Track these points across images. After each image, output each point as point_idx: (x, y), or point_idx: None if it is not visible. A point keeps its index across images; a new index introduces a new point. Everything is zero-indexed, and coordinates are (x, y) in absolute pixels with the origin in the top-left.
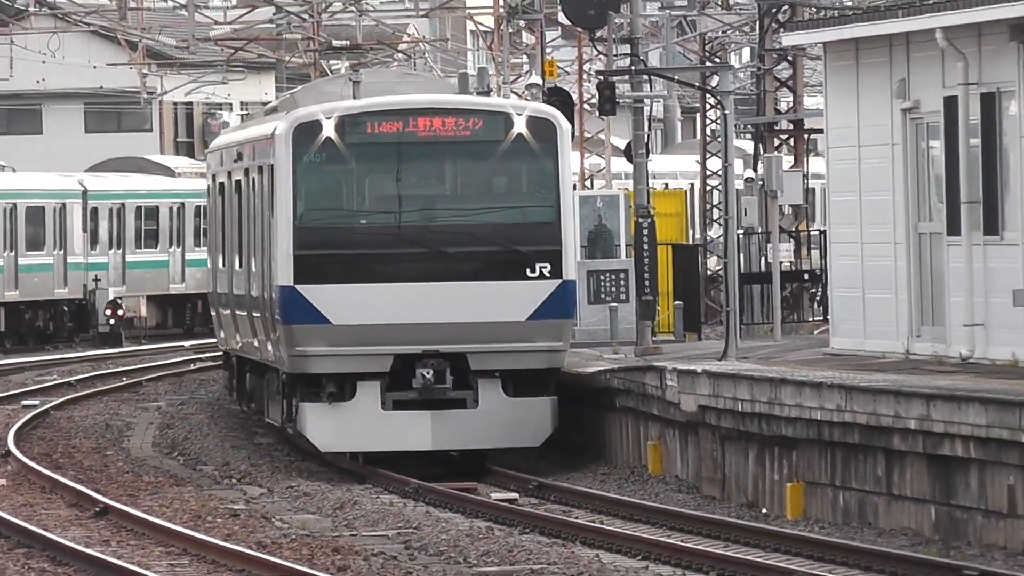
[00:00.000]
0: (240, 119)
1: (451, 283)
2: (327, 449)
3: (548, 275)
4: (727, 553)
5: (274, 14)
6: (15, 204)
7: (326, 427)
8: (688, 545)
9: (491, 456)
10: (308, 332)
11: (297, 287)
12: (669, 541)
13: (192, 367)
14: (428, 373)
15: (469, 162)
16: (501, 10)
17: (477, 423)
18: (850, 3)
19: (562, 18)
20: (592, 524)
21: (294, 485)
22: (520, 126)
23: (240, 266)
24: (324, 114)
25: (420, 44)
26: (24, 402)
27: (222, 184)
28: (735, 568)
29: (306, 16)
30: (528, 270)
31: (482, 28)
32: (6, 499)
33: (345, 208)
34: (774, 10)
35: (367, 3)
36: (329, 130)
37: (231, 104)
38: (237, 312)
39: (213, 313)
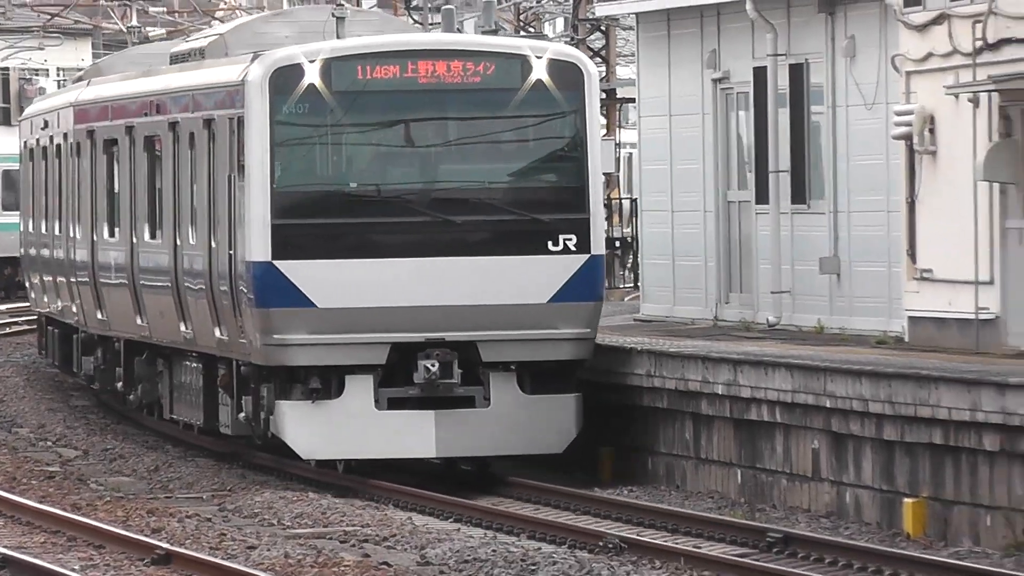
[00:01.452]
0: (57, 85)
1: (459, 259)
2: (310, 456)
3: (574, 249)
4: (537, 516)
5: None
6: None
7: (309, 430)
8: (496, 508)
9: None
10: (287, 317)
11: (275, 263)
12: (480, 504)
13: (7, 331)
14: (432, 366)
15: (480, 114)
16: None
17: (489, 425)
18: None
19: None
20: (405, 488)
21: (110, 448)
22: (540, 71)
23: (137, 236)
24: (307, 56)
25: (236, 12)
26: None
27: (75, 146)
28: (546, 530)
29: None
30: (550, 243)
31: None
32: None
33: (332, 170)
34: None
35: None
36: (313, 75)
37: (47, 70)
38: (105, 283)
39: (35, 279)
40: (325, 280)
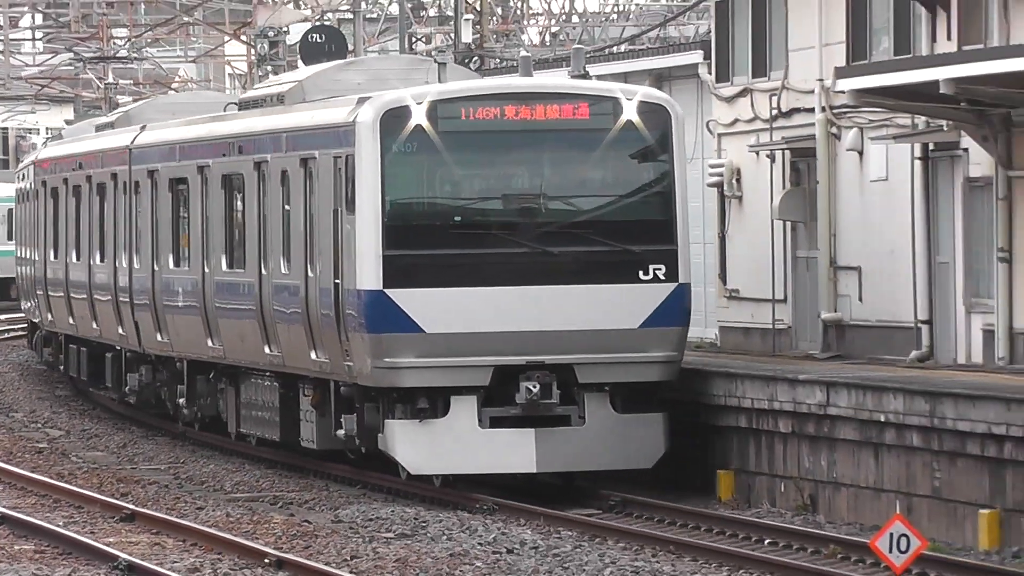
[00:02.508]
0: (44, 143)
1: (557, 287)
2: (417, 471)
3: (663, 278)
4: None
5: (72, 58)
6: None
7: (417, 448)
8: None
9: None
10: (397, 341)
11: (386, 291)
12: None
13: (4, 336)
14: (534, 387)
15: (575, 152)
16: (253, 58)
17: (585, 442)
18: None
19: (300, 64)
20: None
21: (87, 429)
22: (630, 112)
23: (210, 266)
24: (414, 99)
25: (189, 84)
26: None
27: (134, 184)
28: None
29: (97, 60)
30: (641, 272)
31: (238, 72)
32: None
33: (438, 204)
34: None
35: (146, 51)
36: (420, 117)
37: (39, 129)
38: (169, 308)
39: (51, 303)
40: (432, 307)
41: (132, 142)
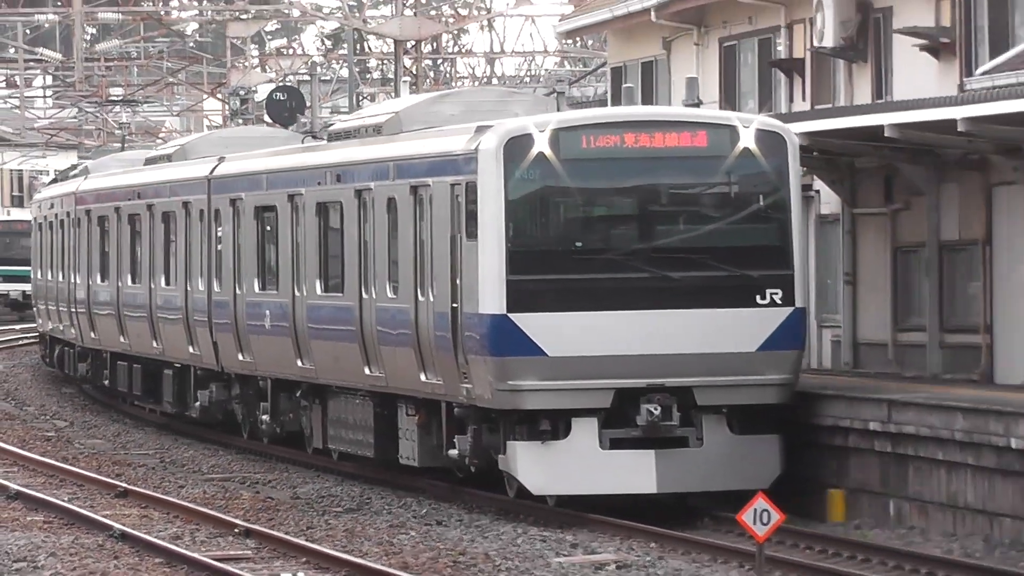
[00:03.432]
0: (58, 179)
1: (676, 311)
2: (539, 492)
3: (780, 302)
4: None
5: (76, 112)
6: None
7: (539, 468)
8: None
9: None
10: (520, 364)
11: (509, 315)
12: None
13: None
14: (656, 409)
15: (693, 179)
16: (227, 112)
17: (703, 463)
18: None
19: (266, 117)
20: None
21: (88, 421)
22: (747, 140)
23: (301, 291)
24: (536, 127)
25: (173, 133)
26: None
27: (214, 212)
28: None
29: (97, 114)
30: (758, 296)
31: (214, 124)
32: None
33: (560, 230)
34: None
35: (138, 107)
36: (542, 144)
37: (48, 171)
38: (253, 329)
39: (73, 319)
40: (555, 331)
41: (211, 172)
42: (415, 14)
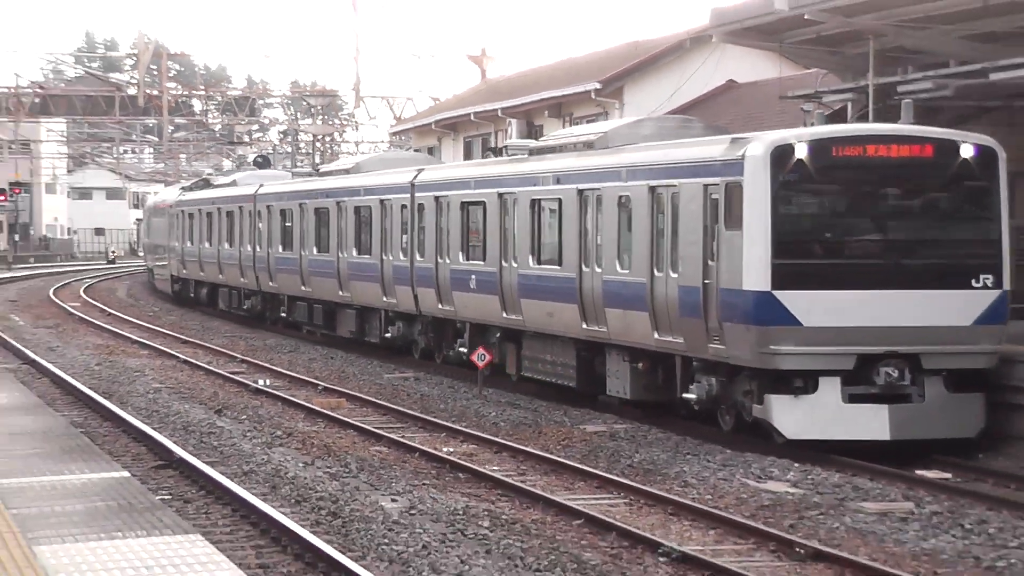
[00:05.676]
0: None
1: (907, 291)
2: (791, 436)
3: (990, 286)
4: None
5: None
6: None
7: (791, 417)
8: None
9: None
10: (780, 332)
11: (773, 292)
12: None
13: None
14: (893, 372)
15: (921, 183)
16: (233, 164)
17: (925, 416)
18: None
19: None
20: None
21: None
22: (966, 152)
23: (520, 262)
24: (796, 139)
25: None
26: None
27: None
28: None
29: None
30: (973, 281)
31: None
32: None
33: (814, 223)
34: None
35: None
36: (801, 153)
37: (155, 191)
38: (458, 287)
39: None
40: (808, 305)
41: (415, 179)
42: (323, 122)
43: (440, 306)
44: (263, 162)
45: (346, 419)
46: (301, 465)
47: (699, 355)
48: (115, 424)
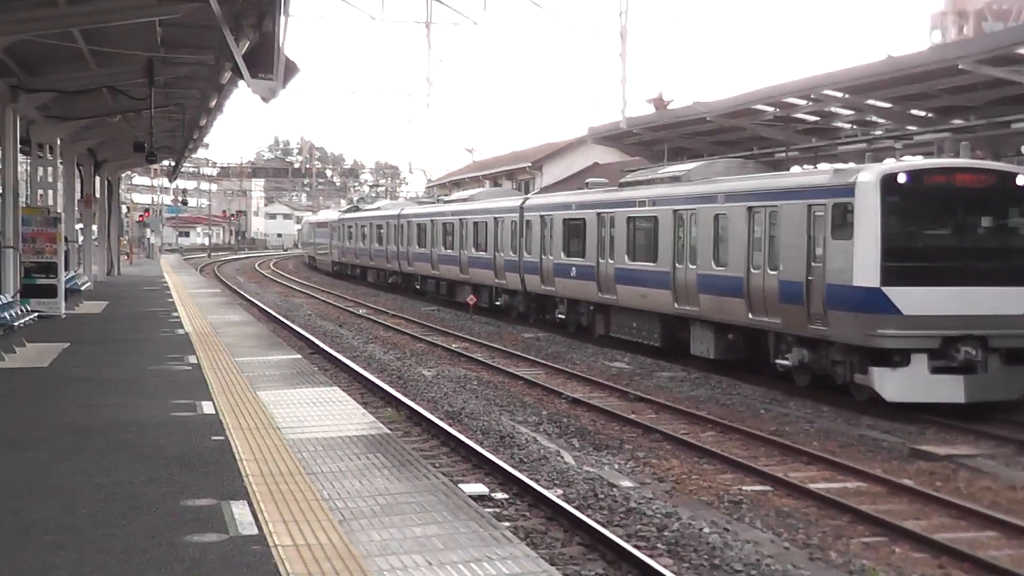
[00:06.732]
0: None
1: (980, 287)
2: (891, 399)
3: None
4: None
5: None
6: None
7: (890, 383)
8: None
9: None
10: (885, 319)
11: (882, 288)
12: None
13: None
14: (971, 351)
15: (990, 203)
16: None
17: (989, 383)
18: None
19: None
20: None
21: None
22: (1021, 181)
23: (701, 265)
24: (900, 169)
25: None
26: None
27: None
28: None
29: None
30: None
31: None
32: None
33: (910, 233)
34: None
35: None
36: (902, 179)
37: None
38: (622, 285)
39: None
40: (907, 298)
41: (523, 204)
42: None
43: (543, 287)
44: (359, 203)
45: (403, 330)
46: (382, 352)
47: (796, 332)
48: (291, 332)
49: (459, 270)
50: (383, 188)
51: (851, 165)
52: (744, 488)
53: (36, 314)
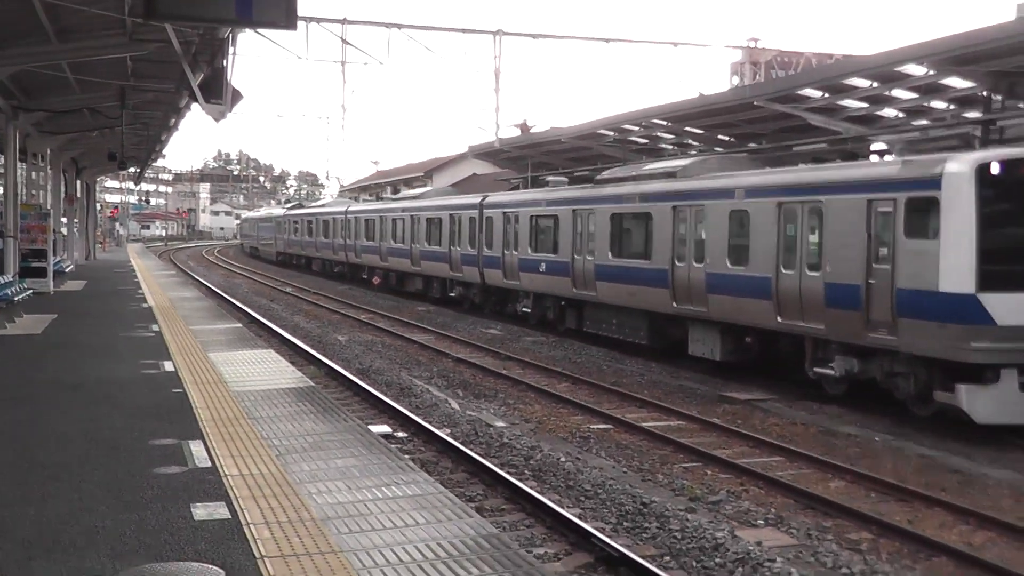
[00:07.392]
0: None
1: None
2: (982, 421)
3: None
4: None
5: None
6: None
7: (981, 403)
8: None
9: None
10: (978, 331)
11: (977, 295)
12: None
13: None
14: None
15: None
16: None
17: None
18: None
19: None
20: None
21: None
22: None
23: (713, 263)
24: (994, 158)
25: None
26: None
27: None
28: None
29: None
30: None
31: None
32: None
33: (1009, 232)
34: None
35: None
36: (995, 169)
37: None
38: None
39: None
40: (1003, 305)
41: (482, 201)
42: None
43: (505, 281)
44: (302, 202)
45: (322, 304)
46: (305, 322)
47: (847, 340)
48: (233, 306)
49: (410, 262)
50: (305, 192)
51: (914, 157)
52: (591, 427)
53: (31, 291)
